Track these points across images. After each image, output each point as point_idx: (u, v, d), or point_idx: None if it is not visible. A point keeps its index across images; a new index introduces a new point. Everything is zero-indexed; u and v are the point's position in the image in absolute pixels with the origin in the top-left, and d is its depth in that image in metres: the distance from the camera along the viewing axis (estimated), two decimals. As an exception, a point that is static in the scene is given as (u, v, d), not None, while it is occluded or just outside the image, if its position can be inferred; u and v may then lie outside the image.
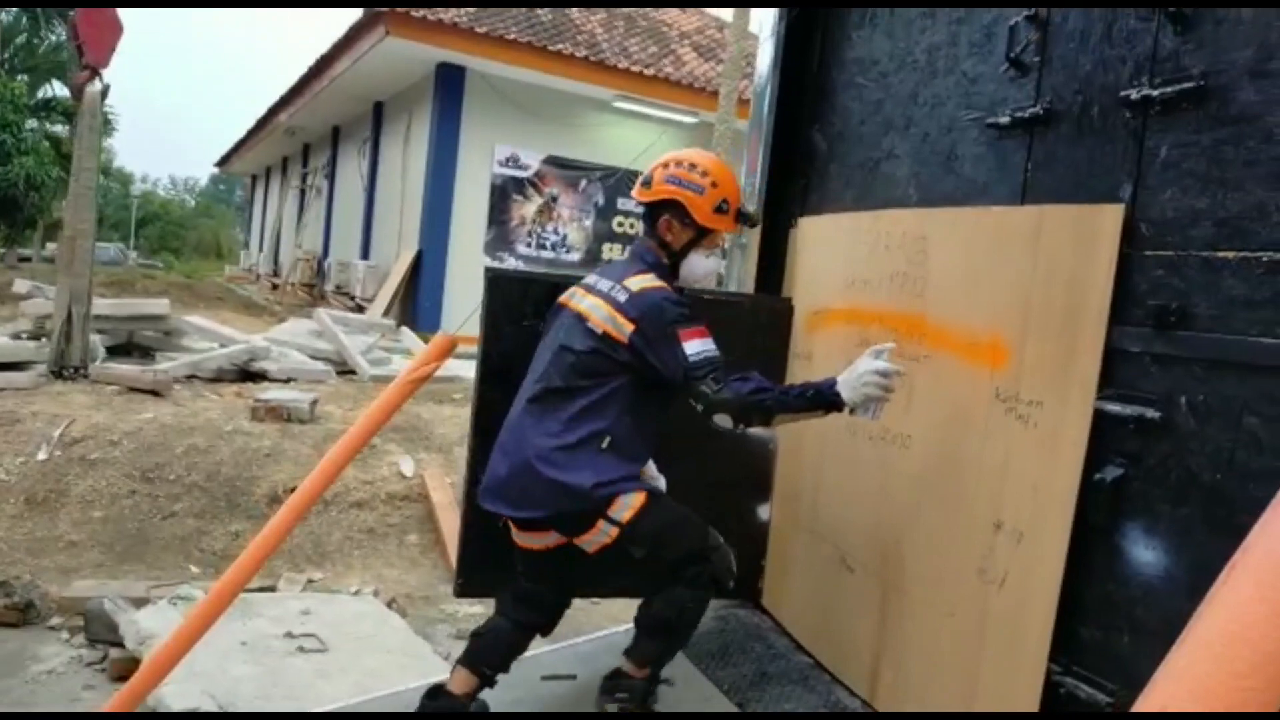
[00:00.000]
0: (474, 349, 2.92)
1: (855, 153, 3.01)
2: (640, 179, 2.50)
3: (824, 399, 2.21)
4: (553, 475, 2.27)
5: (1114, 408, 1.94)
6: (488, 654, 2.49)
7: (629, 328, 2.28)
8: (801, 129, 3.27)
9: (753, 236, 3.35)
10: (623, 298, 2.32)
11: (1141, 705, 0.93)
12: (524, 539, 2.47)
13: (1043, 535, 2.06)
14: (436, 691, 2.46)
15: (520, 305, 2.89)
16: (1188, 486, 1.80)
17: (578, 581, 2.59)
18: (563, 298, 2.55)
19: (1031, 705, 2.05)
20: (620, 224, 14.59)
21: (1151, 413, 1.87)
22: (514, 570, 2.79)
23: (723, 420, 2.23)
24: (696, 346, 2.25)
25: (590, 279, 2.53)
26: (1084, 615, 2.01)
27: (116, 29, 7.27)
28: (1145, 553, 1.89)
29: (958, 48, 2.56)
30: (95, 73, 7.31)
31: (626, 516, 2.27)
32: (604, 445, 2.30)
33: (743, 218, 2.49)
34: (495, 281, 2.89)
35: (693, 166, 2.41)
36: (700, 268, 2.50)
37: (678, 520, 2.38)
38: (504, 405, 2.89)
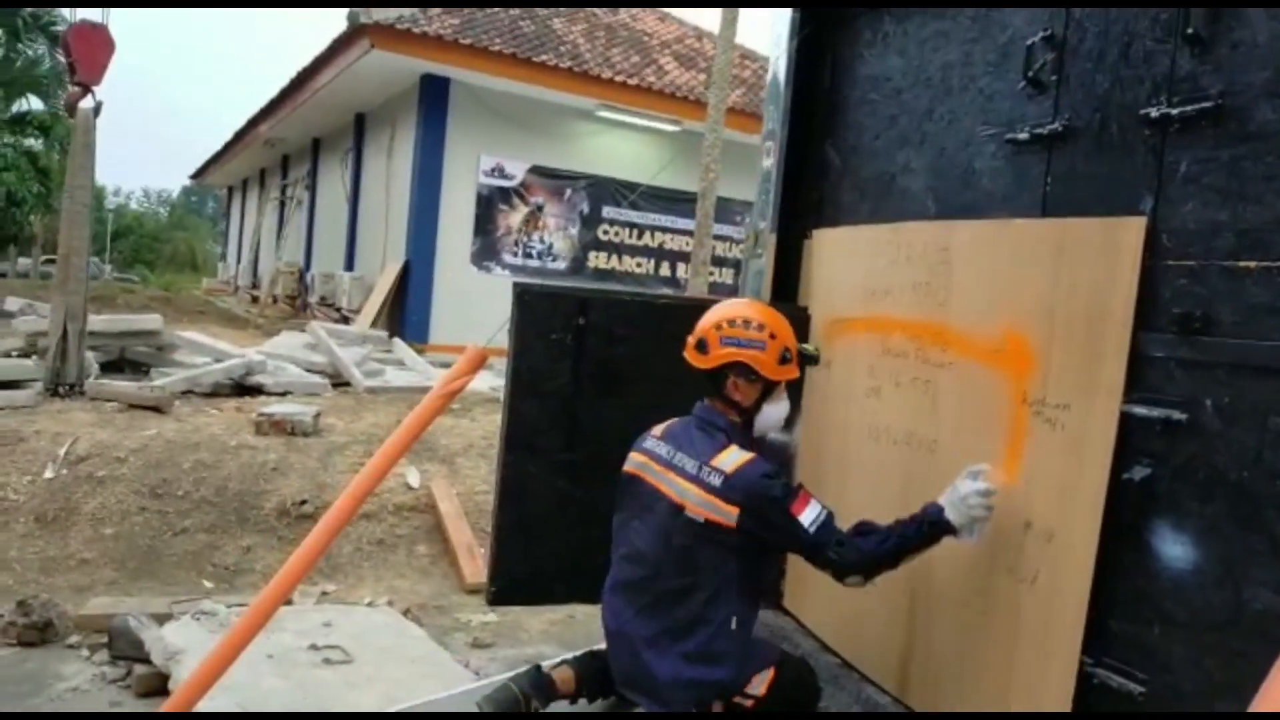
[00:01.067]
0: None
1: (870, 166, 3.11)
2: (693, 342, 2.44)
3: (938, 529, 2.26)
4: (692, 675, 2.32)
5: (1140, 410, 2.03)
6: (594, 677, 2.57)
7: (734, 511, 2.25)
8: (815, 143, 3.36)
9: (768, 248, 3.44)
10: (717, 481, 2.27)
11: (1258, 705, 0.95)
12: None
13: (1072, 534, 2.15)
14: (538, 670, 2.53)
15: (549, 319, 2.97)
16: (1215, 484, 1.90)
17: None
18: (633, 467, 2.49)
19: (1065, 696, 2.14)
20: (605, 232, 14.67)
21: (1178, 415, 1.97)
22: (548, 580, 2.95)
23: (853, 580, 2.28)
24: (810, 515, 2.25)
25: (661, 449, 2.44)
26: (1114, 609, 2.10)
27: (109, 46, 7.27)
28: (1174, 548, 1.99)
29: (973, 66, 2.66)
30: (87, 90, 7.30)
31: (762, 691, 2.36)
32: (733, 627, 2.33)
33: (806, 359, 2.50)
34: (523, 296, 2.96)
35: (747, 323, 2.39)
36: (773, 417, 2.49)
37: (800, 680, 2.47)
38: (534, 418, 2.97)
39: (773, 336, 2.40)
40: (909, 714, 2.58)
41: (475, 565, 5.11)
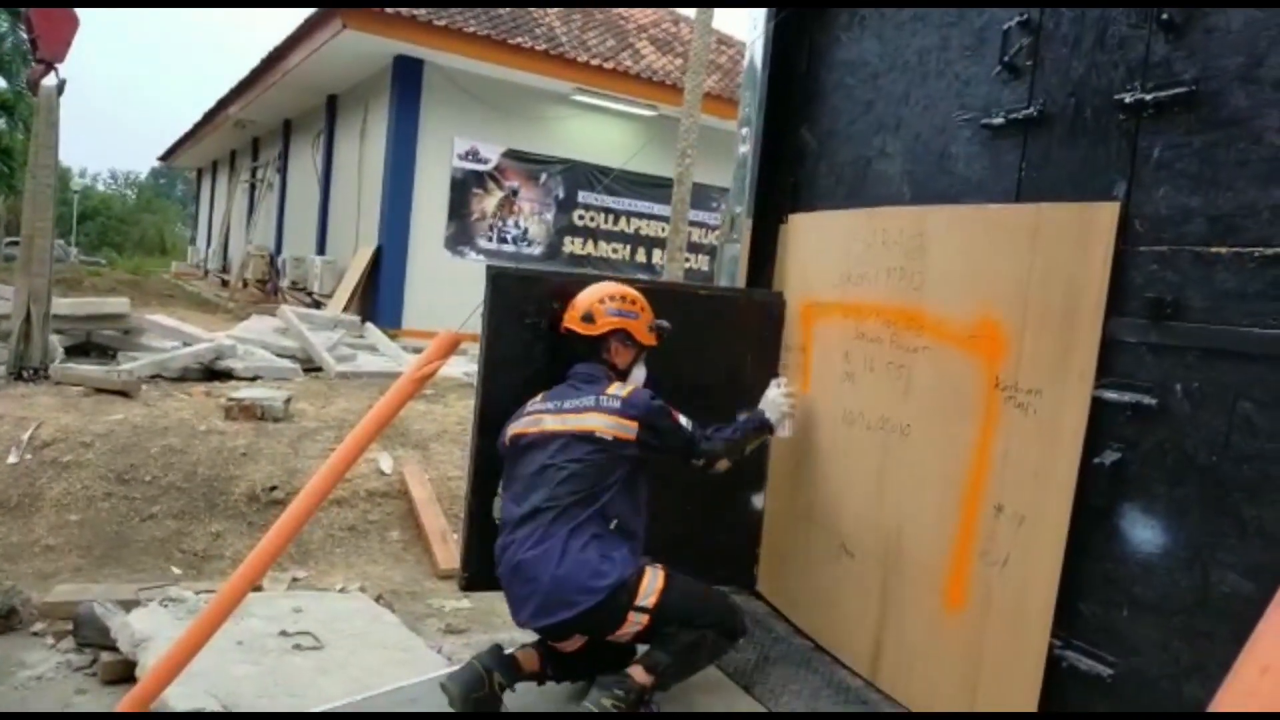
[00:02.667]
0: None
1: (846, 151, 3.10)
2: (578, 316, 2.78)
3: (766, 424, 2.91)
4: (598, 571, 2.45)
5: (1111, 395, 2.05)
6: (558, 657, 2.64)
7: (634, 425, 2.59)
8: (791, 127, 3.35)
9: (743, 233, 3.43)
10: (617, 405, 2.62)
11: (1218, 705, 0.94)
12: (555, 645, 2.63)
13: (1043, 518, 2.16)
14: (499, 648, 2.59)
15: (523, 303, 2.93)
16: (1184, 469, 1.92)
17: (609, 665, 2.59)
18: (520, 427, 2.69)
19: (1034, 679, 2.16)
20: (581, 217, 14.59)
21: (1148, 400, 1.98)
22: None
23: (722, 465, 2.77)
24: (685, 420, 2.67)
25: (549, 404, 2.69)
26: (1084, 592, 2.12)
27: (72, 23, 7.11)
28: (1143, 532, 2.01)
29: (949, 51, 2.65)
30: (50, 67, 7.14)
31: (653, 601, 2.46)
32: (611, 527, 2.54)
33: (660, 330, 2.86)
34: (498, 280, 2.92)
35: (623, 298, 2.79)
36: (639, 377, 2.83)
37: (698, 590, 2.60)
38: (508, 403, 2.94)
39: (644, 310, 2.82)
40: (907, 714, 2.58)
41: (448, 551, 5.08)
